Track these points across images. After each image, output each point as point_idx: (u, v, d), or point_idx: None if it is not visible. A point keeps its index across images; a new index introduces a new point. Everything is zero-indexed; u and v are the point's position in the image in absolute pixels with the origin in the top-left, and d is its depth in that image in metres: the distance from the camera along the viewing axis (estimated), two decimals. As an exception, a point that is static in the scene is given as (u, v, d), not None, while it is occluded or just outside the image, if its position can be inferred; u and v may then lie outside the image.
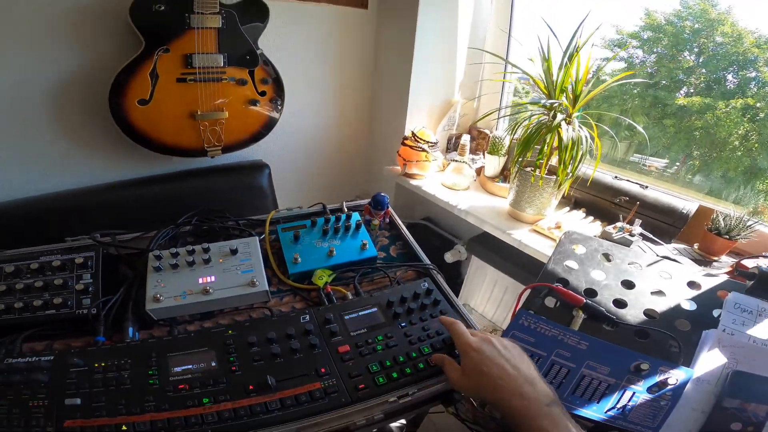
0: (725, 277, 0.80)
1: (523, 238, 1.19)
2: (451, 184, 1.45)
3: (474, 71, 1.62)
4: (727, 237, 1.08)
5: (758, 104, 1.30)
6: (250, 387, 0.62)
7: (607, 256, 0.87)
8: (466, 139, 1.40)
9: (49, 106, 1.16)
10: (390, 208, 1.03)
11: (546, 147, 1.08)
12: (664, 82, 1.42)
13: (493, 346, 0.59)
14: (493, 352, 0.59)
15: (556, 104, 1.07)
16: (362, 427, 0.66)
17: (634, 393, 0.62)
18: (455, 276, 1.63)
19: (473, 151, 1.60)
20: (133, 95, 1.11)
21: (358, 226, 0.95)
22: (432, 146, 1.41)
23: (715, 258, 1.12)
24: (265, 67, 1.26)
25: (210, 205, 1.06)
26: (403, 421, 1.07)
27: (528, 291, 0.81)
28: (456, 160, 1.41)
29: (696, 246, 1.16)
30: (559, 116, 1.06)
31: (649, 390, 0.62)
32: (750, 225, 1.07)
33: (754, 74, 1.35)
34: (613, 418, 0.60)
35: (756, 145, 1.31)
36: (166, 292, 0.75)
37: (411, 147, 1.41)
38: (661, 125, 1.43)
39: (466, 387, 0.60)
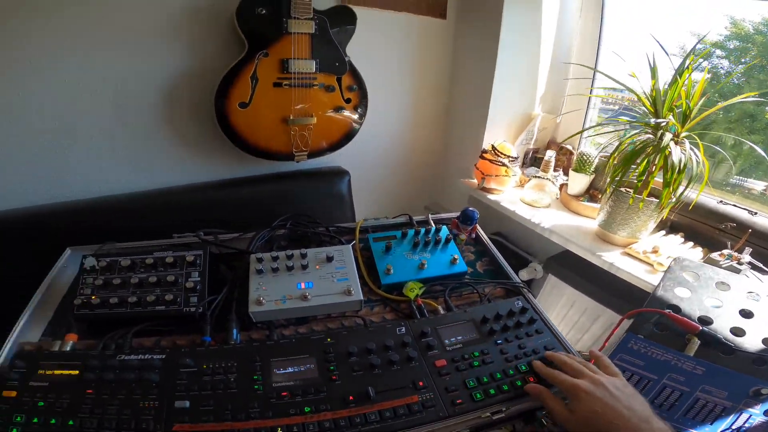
0: None
1: (615, 260, 1.12)
2: (530, 201, 1.39)
3: (555, 84, 1.56)
4: None
5: None
6: (351, 397, 0.62)
7: (722, 285, 0.85)
8: (550, 155, 1.34)
9: (159, 106, 1.23)
10: (477, 224, 1.01)
11: (654, 168, 1.00)
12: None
13: (605, 388, 0.58)
14: (605, 394, 0.57)
15: (664, 123, 1.00)
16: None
17: (750, 416, 0.63)
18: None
19: (554, 168, 1.53)
20: (235, 98, 1.16)
21: (447, 240, 0.93)
22: (512, 161, 1.37)
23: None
24: (351, 75, 1.28)
25: (293, 209, 1.08)
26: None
27: (629, 316, 0.79)
28: (537, 176, 1.36)
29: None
30: (668, 136, 0.99)
31: (766, 413, 0.63)
32: None
33: None
34: (727, 439, 0.61)
35: None
36: (268, 295, 0.76)
37: (490, 161, 1.37)
38: (747, 138, 1.30)
39: (576, 427, 0.58)
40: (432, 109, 1.68)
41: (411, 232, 0.93)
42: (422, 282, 0.86)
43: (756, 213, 1.15)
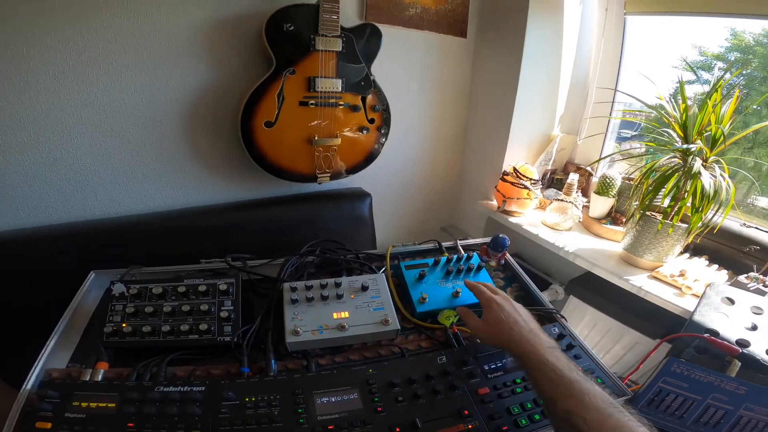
0: None
1: (643, 284, 1.12)
2: (552, 224, 1.39)
3: (574, 105, 1.57)
4: None
5: None
6: (397, 429, 0.61)
7: (756, 308, 0.88)
8: (573, 178, 1.33)
9: (179, 123, 1.21)
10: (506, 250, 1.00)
11: (686, 194, 1.00)
12: (755, 107, 1.30)
13: (510, 303, 0.73)
14: (510, 307, 0.72)
15: (693, 148, 1.00)
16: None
17: None
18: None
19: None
20: (262, 116, 1.15)
21: (479, 268, 0.93)
22: (534, 183, 1.37)
23: None
24: (375, 94, 1.28)
25: (315, 232, 1.07)
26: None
27: (667, 340, 0.84)
28: (559, 199, 1.35)
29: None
30: (698, 161, 0.99)
31: None
32: None
33: None
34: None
35: None
36: (304, 325, 0.75)
37: (512, 183, 1.37)
38: (750, 155, 1.30)
39: (486, 333, 0.72)
40: (450, 129, 1.68)
41: (443, 259, 0.92)
42: (455, 309, 0.84)
43: (779, 236, 1.16)
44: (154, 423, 0.57)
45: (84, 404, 0.58)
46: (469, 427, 0.63)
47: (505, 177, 1.40)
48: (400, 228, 1.71)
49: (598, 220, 1.38)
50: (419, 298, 0.84)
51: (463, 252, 0.98)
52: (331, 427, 0.60)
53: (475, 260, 0.93)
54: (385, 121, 1.32)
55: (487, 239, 1.02)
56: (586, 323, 1.39)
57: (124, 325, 0.72)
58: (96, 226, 1.14)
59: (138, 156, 1.20)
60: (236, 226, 1.24)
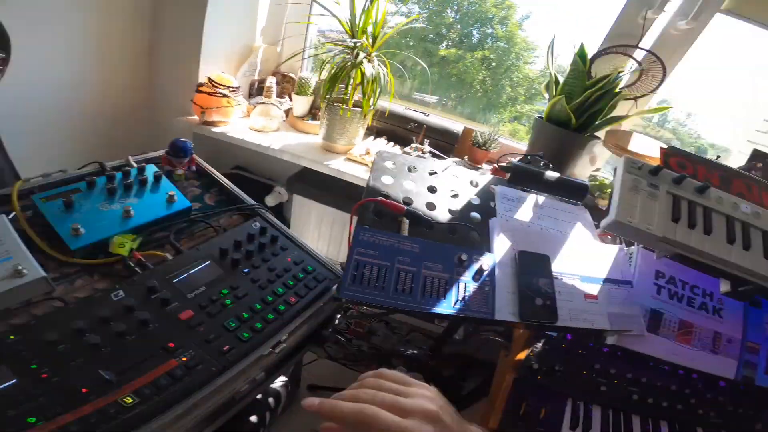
0: (492, 176, 0.97)
1: (340, 167, 1.26)
2: (260, 127, 1.38)
3: (276, 16, 1.55)
4: (485, 148, 1.40)
5: (492, 56, 1.66)
6: (83, 390, 0.49)
7: (412, 168, 0.95)
8: (271, 81, 1.35)
9: None
10: (195, 155, 0.91)
11: (352, 82, 1.13)
12: (431, 35, 1.65)
13: (442, 422, 0.39)
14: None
15: (359, 44, 1.12)
16: (247, 393, 0.62)
17: (465, 284, 0.68)
18: (280, 220, 1.62)
19: (279, 95, 1.55)
20: None
21: (157, 179, 0.81)
22: (233, 91, 1.30)
23: (479, 165, 1.43)
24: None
25: None
26: (284, 378, 1.05)
27: (354, 211, 0.83)
28: (261, 102, 1.33)
29: (466, 158, 1.46)
30: (362, 55, 1.12)
31: (474, 278, 0.69)
32: (496, 139, 1.42)
33: (491, 30, 1.70)
34: (461, 310, 0.65)
35: (490, 88, 1.72)
36: None
37: (209, 93, 1.27)
38: (429, 71, 1.71)
39: None
40: (129, 49, 1.40)
41: (101, 179, 0.75)
42: (134, 232, 0.72)
43: (428, 114, 1.51)
44: None
45: None
46: (184, 359, 0.55)
47: (200, 89, 1.28)
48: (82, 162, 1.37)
49: (302, 118, 1.47)
50: (69, 231, 0.67)
51: (135, 165, 0.83)
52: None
53: (150, 171, 0.80)
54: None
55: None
56: (315, 219, 1.50)
57: None
58: None
59: None
60: None
